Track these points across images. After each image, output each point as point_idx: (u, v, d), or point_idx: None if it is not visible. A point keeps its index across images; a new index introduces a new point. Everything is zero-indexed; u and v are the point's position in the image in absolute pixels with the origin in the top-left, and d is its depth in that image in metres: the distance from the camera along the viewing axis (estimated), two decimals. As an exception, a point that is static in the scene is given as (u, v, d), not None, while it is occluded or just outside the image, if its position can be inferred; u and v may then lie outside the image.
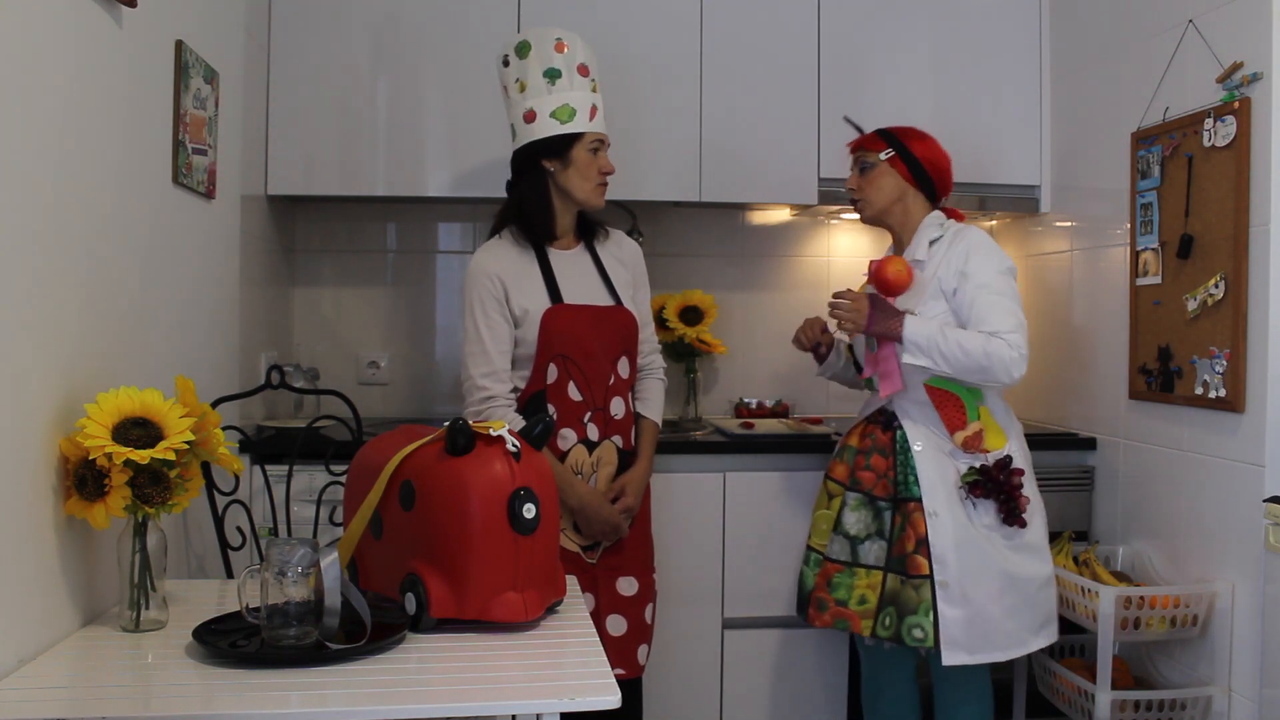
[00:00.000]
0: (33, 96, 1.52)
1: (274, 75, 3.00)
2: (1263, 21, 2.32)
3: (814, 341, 2.67)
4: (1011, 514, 2.40)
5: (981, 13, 3.25)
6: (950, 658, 2.35)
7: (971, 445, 2.42)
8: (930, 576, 2.36)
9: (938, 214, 2.54)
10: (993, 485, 2.40)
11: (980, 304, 2.38)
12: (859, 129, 2.60)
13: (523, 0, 3.07)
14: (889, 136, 2.53)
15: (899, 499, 2.44)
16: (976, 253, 2.41)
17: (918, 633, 2.36)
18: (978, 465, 2.42)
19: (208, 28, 2.33)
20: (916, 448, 2.43)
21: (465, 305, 2.45)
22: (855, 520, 2.48)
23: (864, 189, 2.54)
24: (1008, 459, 2.42)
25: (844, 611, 2.46)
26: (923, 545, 2.37)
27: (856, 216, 2.64)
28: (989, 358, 2.34)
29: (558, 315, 2.42)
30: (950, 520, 2.38)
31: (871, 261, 2.53)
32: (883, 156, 2.51)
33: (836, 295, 2.47)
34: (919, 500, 2.40)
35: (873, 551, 2.46)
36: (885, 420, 2.51)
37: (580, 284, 2.49)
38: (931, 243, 2.48)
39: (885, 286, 2.44)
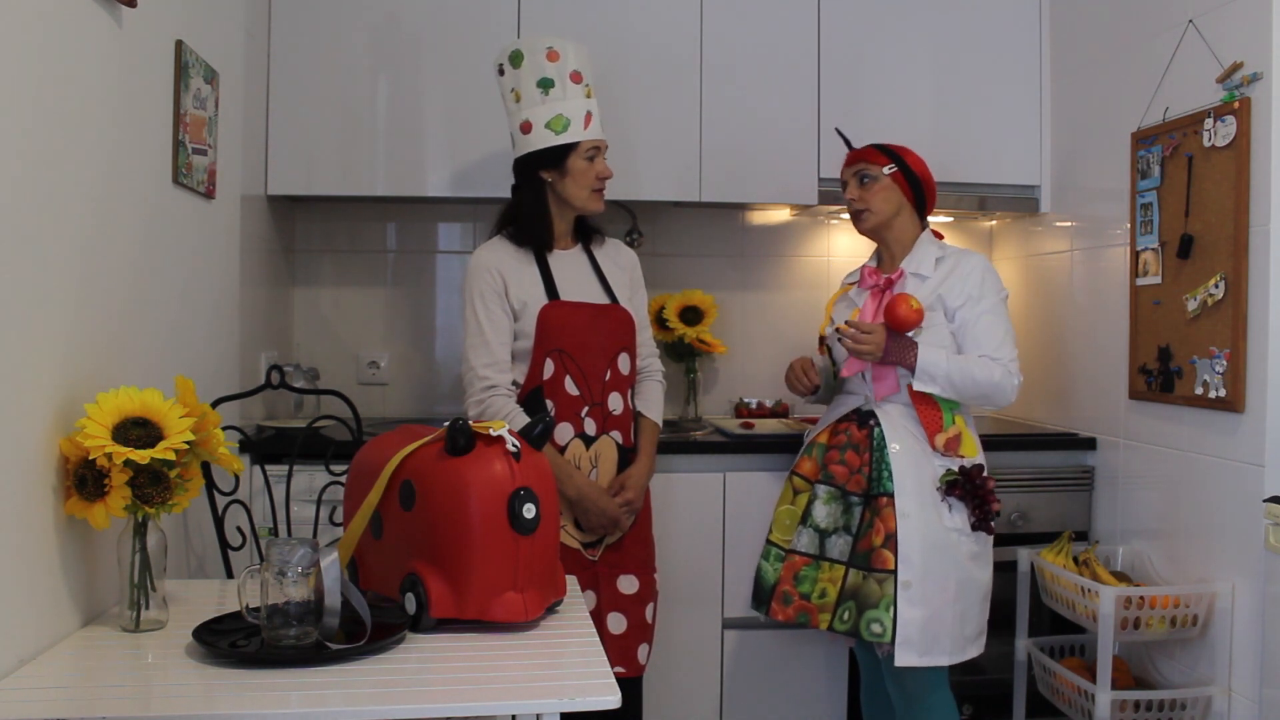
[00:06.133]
0: (33, 96, 1.52)
1: (274, 75, 3.00)
2: (1263, 21, 2.32)
3: (815, 385, 2.60)
4: (983, 519, 2.44)
5: (982, 13, 3.25)
6: (903, 658, 2.36)
7: (951, 448, 2.46)
8: (894, 572, 2.37)
9: (929, 233, 2.60)
10: (970, 487, 2.43)
11: (983, 326, 2.48)
12: (848, 141, 2.63)
13: (523, 0, 3.07)
14: (889, 151, 2.56)
15: (871, 494, 2.45)
16: (986, 278, 2.52)
17: (876, 627, 2.36)
18: (956, 468, 2.45)
19: (208, 28, 2.33)
20: (894, 448, 2.45)
21: (465, 299, 2.47)
22: (826, 514, 2.50)
23: (869, 200, 2.55)
24: (981, 466, 2.47)
25: (807, 605, 2.48)
26: (891, 540, 2.38)
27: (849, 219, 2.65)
28: (995, 387, 2.46)
29: (554, 310, 2.44)
30: (921, 521, 2.40)
31: (882, 294, 2.53)
32: (885, 171, 2.54)
33: (848, 325, 2.44)
34: (891, 496, 2.41)
35: (838, 546, 2.47)
36: (860, 418, 2.52)
37: (577, 283, 2.51)
38: (936, 261, 2.54)
39: (899, 324, 2.43)
